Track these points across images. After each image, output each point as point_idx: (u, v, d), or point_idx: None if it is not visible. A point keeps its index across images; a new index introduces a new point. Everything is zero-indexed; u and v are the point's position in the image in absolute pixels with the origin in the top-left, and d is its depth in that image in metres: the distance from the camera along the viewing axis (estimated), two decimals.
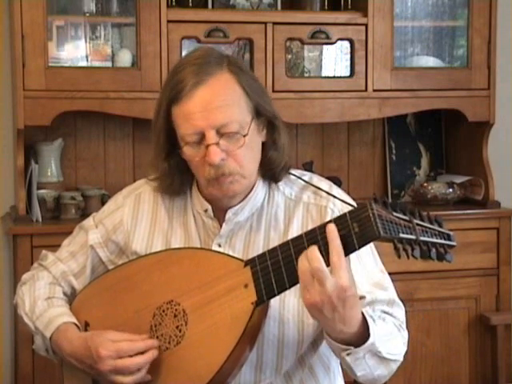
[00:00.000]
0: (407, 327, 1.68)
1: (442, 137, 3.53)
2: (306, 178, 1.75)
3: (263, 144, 1.70)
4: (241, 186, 1.66)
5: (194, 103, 1.60)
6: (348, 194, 1.79)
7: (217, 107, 1.60)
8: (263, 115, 1.67)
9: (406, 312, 1.70)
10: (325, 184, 1.75)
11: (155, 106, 1.70)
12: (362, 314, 1.50)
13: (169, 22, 2.91)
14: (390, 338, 1.60)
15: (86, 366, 1.63)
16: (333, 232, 1.43)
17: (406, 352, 1.67)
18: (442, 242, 1.46)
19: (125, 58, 2.98)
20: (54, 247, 1.94)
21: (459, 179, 3.30)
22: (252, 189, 1.71)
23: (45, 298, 1.77)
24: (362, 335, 1.51)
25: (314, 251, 1.43)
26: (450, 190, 3.27)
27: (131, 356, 1.59)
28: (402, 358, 1.63)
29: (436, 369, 3.12)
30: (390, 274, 1.74)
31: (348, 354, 1.51)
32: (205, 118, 1.60)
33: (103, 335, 1.62)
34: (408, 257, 1.41)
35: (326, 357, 1.76)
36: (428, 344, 3.09)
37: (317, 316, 1.46)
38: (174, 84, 1.64)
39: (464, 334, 3.14)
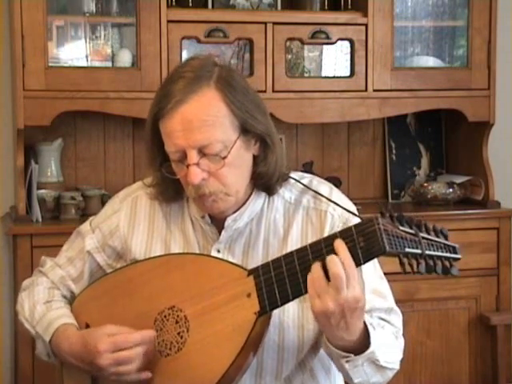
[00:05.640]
0: (405, 332, 1.68)
1: (442, 137, 3.53)
2: (306, 181, 1.73)
3: (256, 157, 1.66)
4: (226, 203, 1.63)
5: (176, 121, 1.57)
6: (348, 194, 1.78)
7: (198, 127, 1.56)
8: (252, 132, 1.62)
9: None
10: (325, 187, 1.73)
11: (148, 114, 1.67)
12: (364, 322, 1.50)
13: (169, 21, 2.91)
14: (389, 346, 1.60)
15: (86, 363, 1.62)
16: (341, 244, 1.43)
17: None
18: (448, 255, 1.45)
19: (125, 58, 2.98)
20: (54, 247, 1.94)
21: (459, 179, 3.30)
22: (250, 195, 1.70)
23: (43, 302, 1.77)
24: (362, 343, 1.51)
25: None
26: (450, 189, 3.27)
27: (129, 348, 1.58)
28: (398, 366, 1.64)
29: (436, 369, 3.12)
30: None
31: (347, 362, 1.52)
32: (185, 138, 1.57)
33: (100, 330, 1.62)
34: (413, 272, 1.41)
35: (327, 359, 1.75)
36: (428, 344, 3.09)
37: (322, 323, 1.46)
38: (161, 97, 1.61)
39: (464, 334, 3.14)
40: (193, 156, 1.57)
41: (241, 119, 1.60)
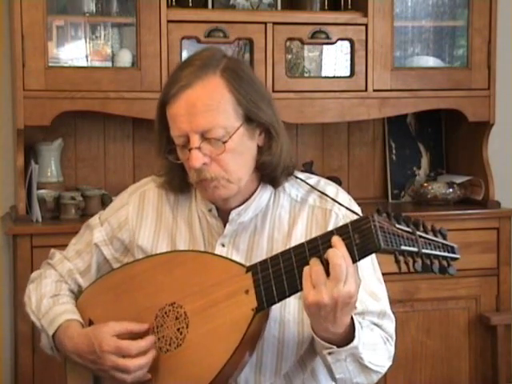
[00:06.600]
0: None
1: (442, 137, 3.53)
2: (313, 181, 1.75)
3: (260, 148, 1.68)
4: (227, 190, 1.65)
5: (180, 106, 1.61)
6: (348, 194, 1.78)
7: (201, 112, 1.59)
8: (256, 121, 1.65)
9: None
10: (332, 188, 1.75)
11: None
12: (352, 318, 1.51)
13: (169, 21, 2.91)
14: (375, 348, 1.61)
15: (89, 361, 1.64)
16: (339, 241, 1.44)
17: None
18: (445, 254, 1.45)
19: (125, 58, 2.98)
20: (54, 247, 1.95)
21: (459, 179, 3.30)
22: (256, 190, 1.71)
23: (50, 296, 1.79)
24: (347, 338, 1.52)
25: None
26: (450, 190, 3.27)
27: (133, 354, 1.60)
28: (384, 371, 1.64)
29: (436, 369, 3.12)
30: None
31: (330, 353, 1.52)
32: (189, 122, 1.60)
33: (104, 329, 1.63)
34: (409, 269, 1.41)
35: None
36: (428, 344, 3.09)
37: (311, 313, 1.47)
38: (169, 83, 1.65)
39: (464, 334, 3.13)
40: (195, 140, 1.60)
41: (245, 108, 1.63)
